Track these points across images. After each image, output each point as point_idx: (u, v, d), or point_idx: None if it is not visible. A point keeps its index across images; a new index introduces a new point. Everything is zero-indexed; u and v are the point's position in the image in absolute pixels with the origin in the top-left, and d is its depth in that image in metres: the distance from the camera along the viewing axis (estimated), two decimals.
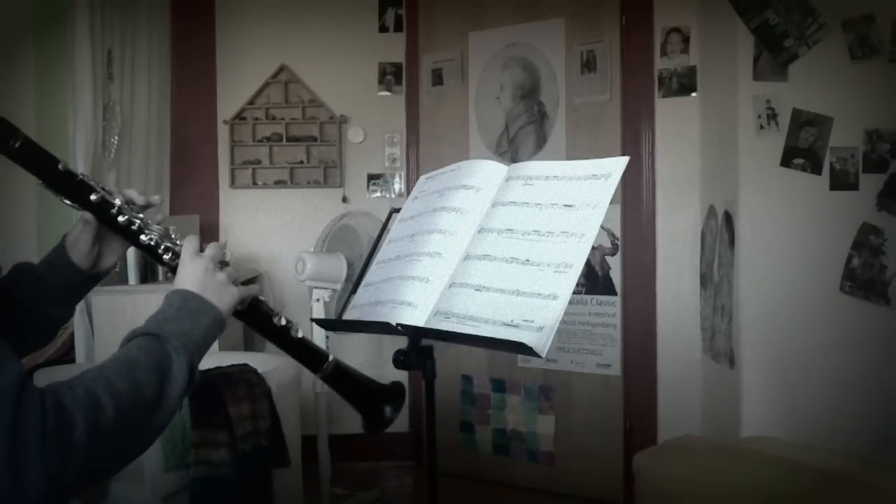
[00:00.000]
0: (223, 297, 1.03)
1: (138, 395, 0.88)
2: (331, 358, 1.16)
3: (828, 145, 2.61)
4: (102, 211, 1.06)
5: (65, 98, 3.17)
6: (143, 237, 1.07)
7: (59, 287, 1.12)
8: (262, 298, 1.13)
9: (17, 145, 0.98)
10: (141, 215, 1.09)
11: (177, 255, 1.07)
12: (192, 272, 1.03)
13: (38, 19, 3.65)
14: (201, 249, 1.07)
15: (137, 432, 0.89)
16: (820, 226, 2.63)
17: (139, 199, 1.12)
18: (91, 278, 1.15)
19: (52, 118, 3.56)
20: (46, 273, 1.12)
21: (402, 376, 4.17)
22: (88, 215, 1.08)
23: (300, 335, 1.14)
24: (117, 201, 1.07)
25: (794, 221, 2.67)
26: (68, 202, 1.04)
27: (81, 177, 1.05)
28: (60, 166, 1.02)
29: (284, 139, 3.84)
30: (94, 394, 0.84)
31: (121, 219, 1.06)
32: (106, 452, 0.84)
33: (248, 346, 3.59)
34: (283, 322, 1.13)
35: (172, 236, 1.09)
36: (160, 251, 1.07)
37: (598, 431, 3.35)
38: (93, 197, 1.05)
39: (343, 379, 1.19)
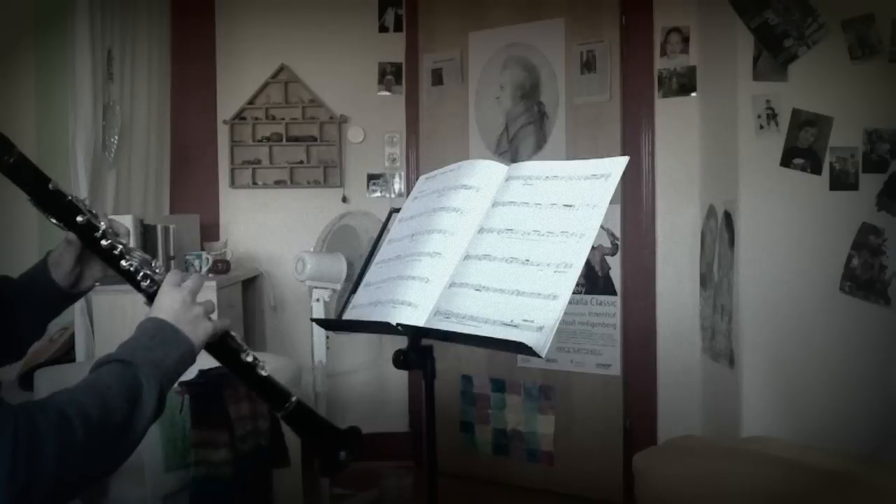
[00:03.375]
0: (197, 329, 1.05)
1: (108, 420, 0.90)
2: (293, 398, 1.17)
3: (828, 145, 2.61)
4: (87, 233, 1.08)
5: (65, 98, 3.17)
6: (123, 262, 1.09)
7: (35, 304, 1.14)
8: (233, 334, 1.14)
9: (10, 161, 1.00)
10: (124, 241, 1.11)
11: (154, 283, 1.09)
12: (170, 303, 1.05)
13: (38, 19, 3.65)
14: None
15: (104, 456, 0.91)
16: (820, 226, 2.63)
17: (123, 236, 1.13)
18: (68, 297, 1.17)
19: (52, 118, 3.56)
20: (25, 288, 1.14)
21: (402, 376, 4.16)
22: (72, 236, 1.10)
23: (265, 373, 1.16)
24: (102, 225, 1.09)
25: (794, 221, 2.67)
26: (55, 221, 1.06)
27: (70, 198, 1.07)
28: (51, 186, 1.04)
29: (284, 139, 3.84)
30: (65, 416, 0.85)
31: (104, 243, 1.08)
32: (72, 474, 0.86)
33: (248, 346, 3.58)
34: (251, 359, 1.14)
35: (153, 265, 1.11)
36: (138, 278, 1.09)
37: (598, 431, 3.35)
38: (79, 219, 1.06)
39: (303, 420, 1.19)
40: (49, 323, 1.20)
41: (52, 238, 1.19)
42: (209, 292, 2.97)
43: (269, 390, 1.16)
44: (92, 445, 0.87)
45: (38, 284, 1.14)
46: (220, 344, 1.11)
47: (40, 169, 1.04)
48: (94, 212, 1.09)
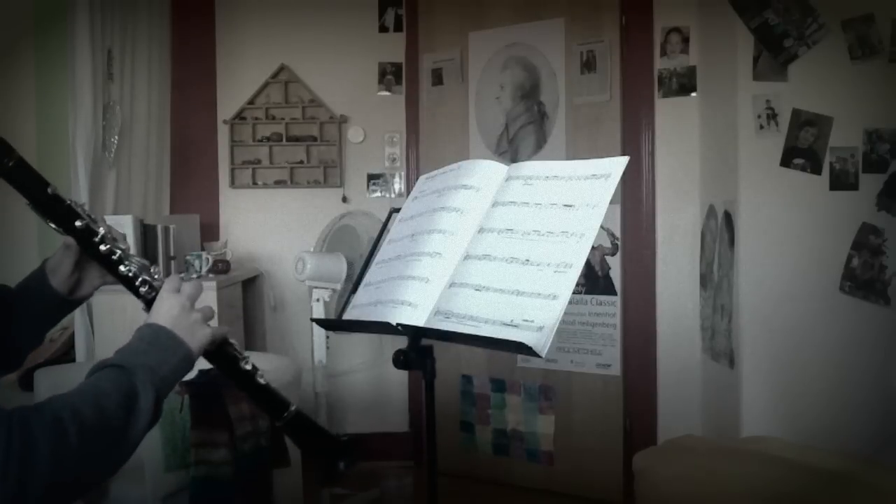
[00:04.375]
0: (195, 335, 1.04)
1: (103, 426, 0.89)
2: (292, 407, 1.16)
3: (828, 145, 2.61)
4: (85, 238, 1.07)
5: (65, 98, 3.17)
6: (122, 267, 1.08)
7: (34, 311, 1.14)
8: (232, 341, 1.13)
9: (10, 164, 1.00)
10: (123, 246, 1.10)
11: (153, 289, 1.08)
12: (168, 308, 1.04)
13: (38, 19, 3.65)
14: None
15: (98, 462, 0.90)
16: (820, 226, 2.63)
17: (121, 242, 1.12)
18: (67, 305, 1.16)
19: (52, 118, 3.56)
20: (23, 296, 1.13)
21: (402, 376, 4.17)
22: (71, 241, 1.09)
23: (264, 381, 1.14)
24: (101, 230, 1.08)
25: (794, 221, 2.67)
26: (53, 226, 1.06)
27: (69, 203, 1.06)
28: (49, 190, 1.03)
29: (284, 139, 3.84)
30: (59, 419, 0.85)
31: (102, 247, 1.08)
32: (66, 477, 0.85)
33: (249, 346, 3.59)
34: (249, 367, 1.13)
35: (151, 271, 1.11)
36: (137, 283, 1.08)
37: (598, 431, 3.35)
38: (77, 223, 1.06)
39: (302, 429, 1.18)
40: (48, 332, 1.20)
41: (51, 243, 1.18)
42: (209, 293, 2.97)
43: (268, 399, 1.15)
44: (86, 449, 0.86)
45: (36, 292, 1.13)
46: (218, 351, 1.10)
47: (39, 173, 1.04)
48: (92, 217, 1.09)
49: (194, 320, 1.04)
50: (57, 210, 1.05)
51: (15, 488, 0.79)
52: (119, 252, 1.08)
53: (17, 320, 1.12)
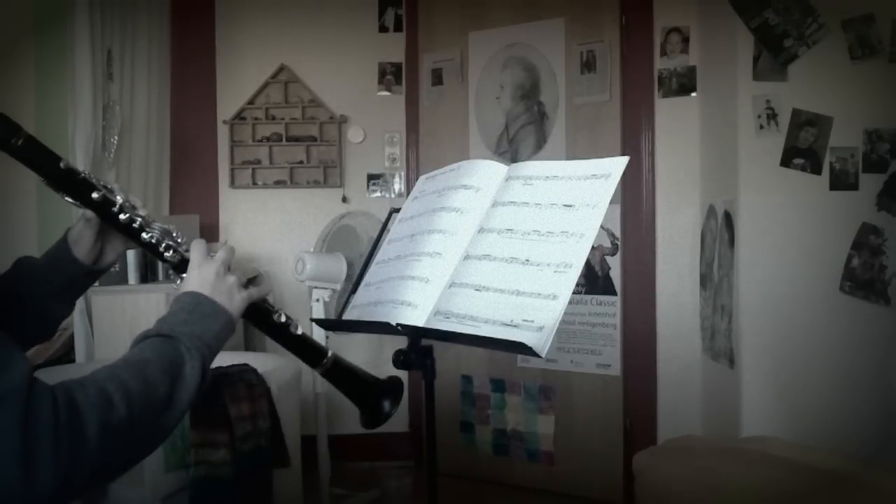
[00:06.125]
0: (233, 300, 1.05)
1: (150, 395, 0.88)
2: (330, 354, 1.18)
3: (828, 145, 2.61)
4: (104, 209, 1.06)
5: (65, 98, 3.17)
6: (144, 235, 1.08)
7: (60, 282, 1.13)
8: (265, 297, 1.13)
9: (19, 143, 0.98)
10: (142, 213, 1.09)
11: (178, 253, 1.08)
12: (204, 275, 1.04)
13: (38, 19, 3.65)
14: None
15: (147, 432, 0.89)
16: (820, 226, 2.63)
17: (140, 208, 1.11)
18: (92, 273, 1.16)
19: (52, 118, 3.55)
20: (48, 268, 1.13)
21: (402, 376, 4.19)
22: (90, 213, 1.08)
23: (300, 332, 1.15)
24: (119, 199, 1.07)
25: (794, 221, 2.67)
26: (70, 200, 1.05)
27: (83, 174, 1.05)
28: (62, 164, 1.02)
29: (284, 139, 3.84)
30: (105, 392, 0.84)
31: (122, 217, 1.07)
32: (116, 451, 0.84)
33: (248, 346, 3.59)
34: (283, 319, 1.14)
35: (174, 234, 1.10)
36: (161, 249, 1.08)
37: (598, 431, 3.35)
38: (94, 195, 1.05)
39: (342, 374, 1.20)
40: (77, 300, 1.19)
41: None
42: None
43: (305, 348, 1.16)
44: (134, 420, 0.85)
45: (61, 263, 1.13)
46: (251, 307, 1.10)
47: (50, 148, 1.02)
48: (108, 186, 1.08)
49: (231, 284, 1.05)
50: (72, 183, 1.03)
51: (67, 465, 0.77)
52: (139, 219, 1.08)
53: (45, 290, 1.12)
